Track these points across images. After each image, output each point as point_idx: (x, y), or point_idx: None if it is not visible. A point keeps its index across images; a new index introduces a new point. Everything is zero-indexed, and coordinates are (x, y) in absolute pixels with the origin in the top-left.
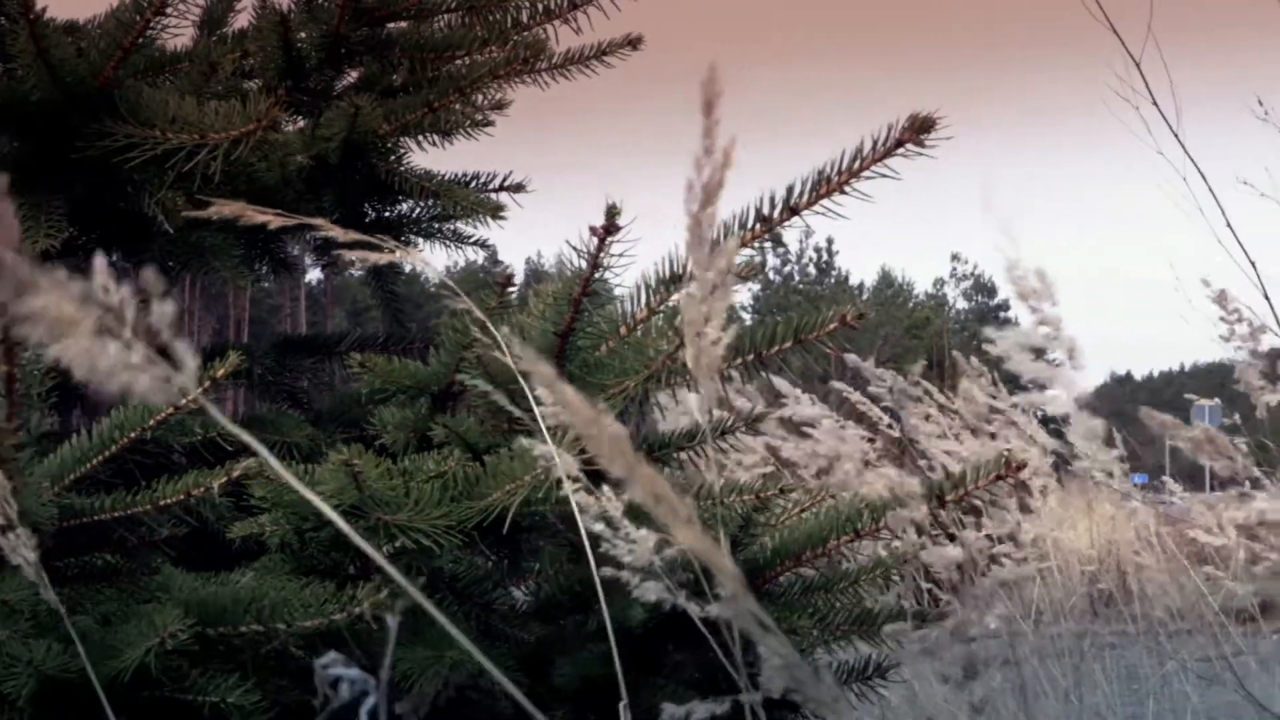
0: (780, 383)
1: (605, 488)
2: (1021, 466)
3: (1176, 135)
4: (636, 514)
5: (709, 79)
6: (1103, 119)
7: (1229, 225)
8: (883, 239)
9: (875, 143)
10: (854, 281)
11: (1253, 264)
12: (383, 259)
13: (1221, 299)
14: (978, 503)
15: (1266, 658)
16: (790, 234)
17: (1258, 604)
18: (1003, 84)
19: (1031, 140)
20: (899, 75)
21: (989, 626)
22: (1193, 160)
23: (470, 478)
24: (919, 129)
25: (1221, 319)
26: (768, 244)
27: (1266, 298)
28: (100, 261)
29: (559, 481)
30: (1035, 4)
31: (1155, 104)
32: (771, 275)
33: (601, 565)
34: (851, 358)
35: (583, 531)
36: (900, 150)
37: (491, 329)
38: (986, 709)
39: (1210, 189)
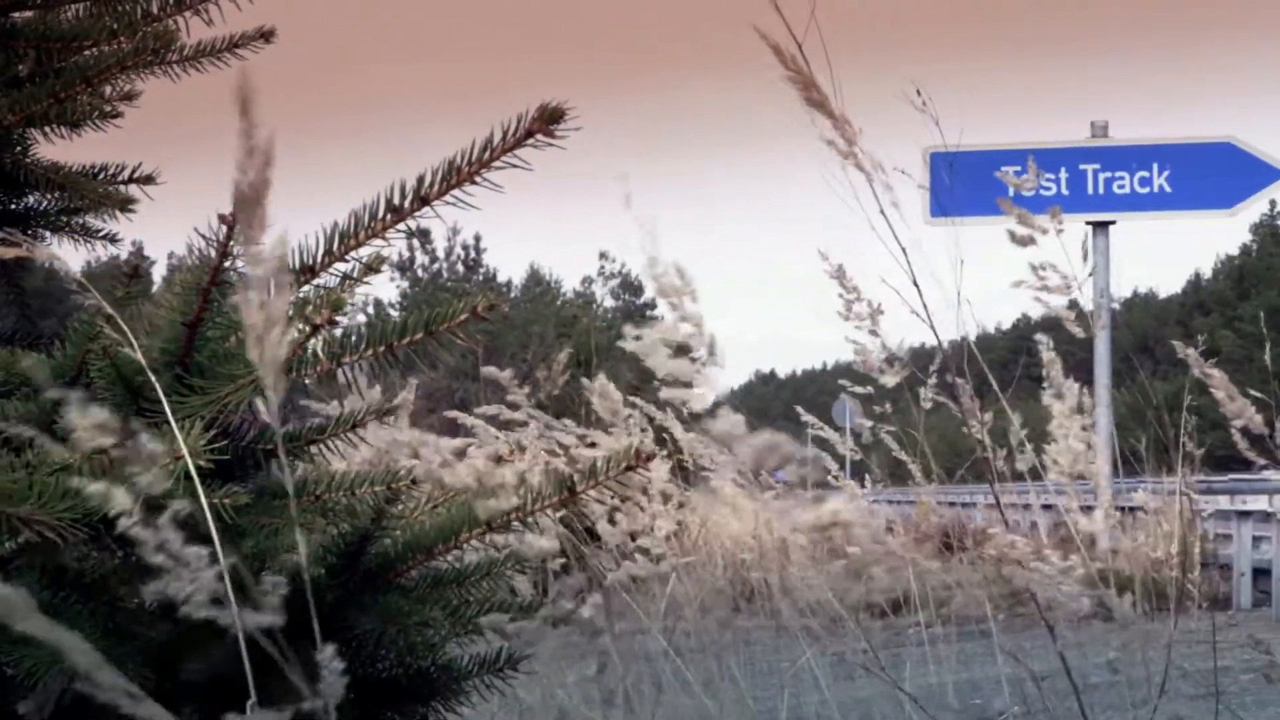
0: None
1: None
2: (650, 458)
3: (836, 123)
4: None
5: (242, 81)
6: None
7: (883, 212)
8: (532, 236)
9: (505, 133)
10: (502, 278)
11: (903, 250)
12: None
13: (840, 274)
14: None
15: (899, 651)
16: (438, 230)
17: (889, 600)
18: (662, 73)
19: (695, 131)
20: (541, 66)
21: (583, 616)
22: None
23: (97, 470)
24: (548, 119)
25: (840, 295)
26: (414, 239)
27: (916, 284)
28: None
29: (185, 475)
30: None
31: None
32: (420, 272)
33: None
34: (490, 369)
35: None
36: (530, 141)
37: (120, 322)
38: (625, 702)
39: (868, 177)
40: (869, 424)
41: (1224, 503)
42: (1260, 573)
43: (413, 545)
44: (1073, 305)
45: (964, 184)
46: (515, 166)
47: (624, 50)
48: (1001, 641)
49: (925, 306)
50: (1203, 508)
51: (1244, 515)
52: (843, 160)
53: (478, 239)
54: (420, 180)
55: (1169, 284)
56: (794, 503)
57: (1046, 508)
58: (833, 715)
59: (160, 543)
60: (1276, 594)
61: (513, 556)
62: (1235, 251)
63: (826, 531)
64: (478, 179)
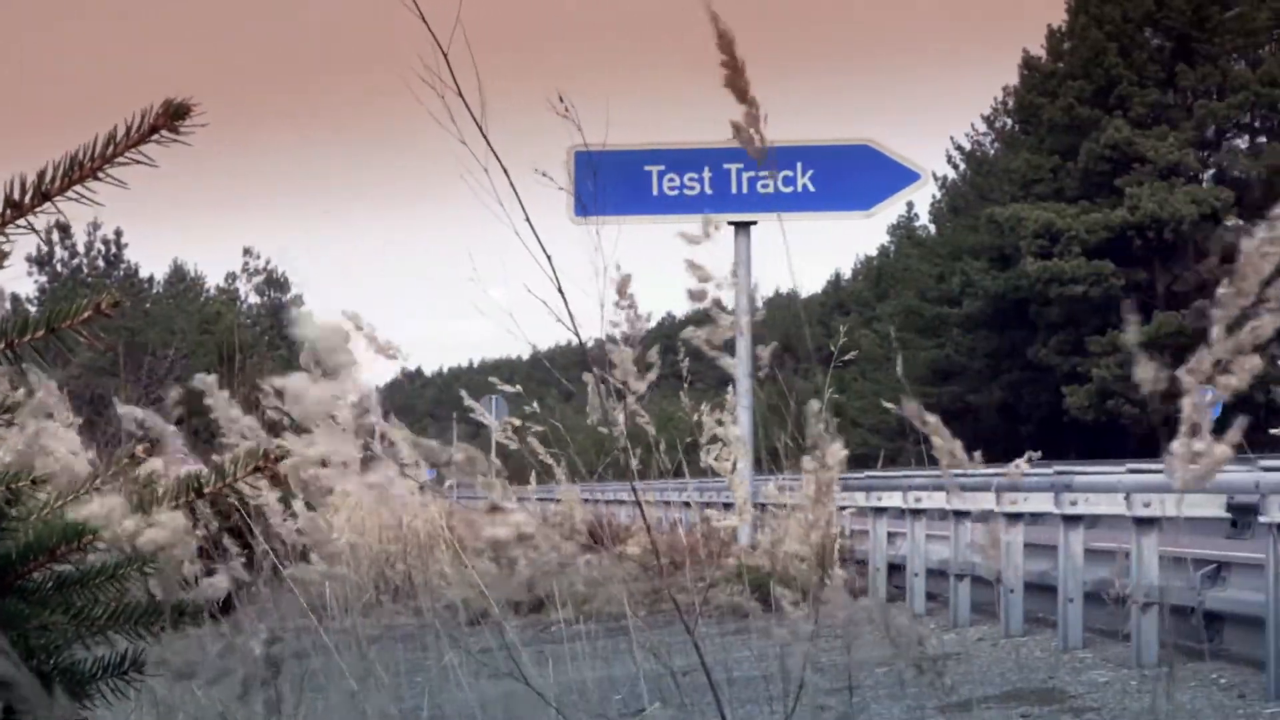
0: None
1: None
2: (280, 458)
3: (480, 126)
4: None
5: None
6: (411, 108)
7: (528, 219)
8: (175, 232)
9: (129, 128)
10: (144, 274)
11: (549, 257)
12: None
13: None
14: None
15: (545, 648)
16: (78, 224)
17: (534, 599)
18: (318, 71)
19: (337, 126)
20: (197, 61)
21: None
22: (495, 152)
23: None
24: (174, 115)
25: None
26: (54, 233)
27: (560, 292)
28: None
29: None
30: None
31: (460, 94)
32: (60, 267)
33: None
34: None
35: None
36: (156, 136)
37: None
38: (271, 701)
39: (511, 182)
40: (516, 421)
41: (860, 499)
42: (895, 568)
43: (34, 546)
44: (719, 305)
45: (609, 183)
46: (140, 163)
47: (286, 48)
48: (642, 638)
49: (569, 309)
50: (841, 504)
51: (879, 512)
52: (483, 165)
53: (119, 234)
54: (41, 175)
55: (811, 283)
56: (478, 515)
57: (687, 505)
58: (474, 713)
59: None
60: (910, 588)
61: (140, 559)
62: (874, 252)
63: (509, 546)
64: (101, 175)
